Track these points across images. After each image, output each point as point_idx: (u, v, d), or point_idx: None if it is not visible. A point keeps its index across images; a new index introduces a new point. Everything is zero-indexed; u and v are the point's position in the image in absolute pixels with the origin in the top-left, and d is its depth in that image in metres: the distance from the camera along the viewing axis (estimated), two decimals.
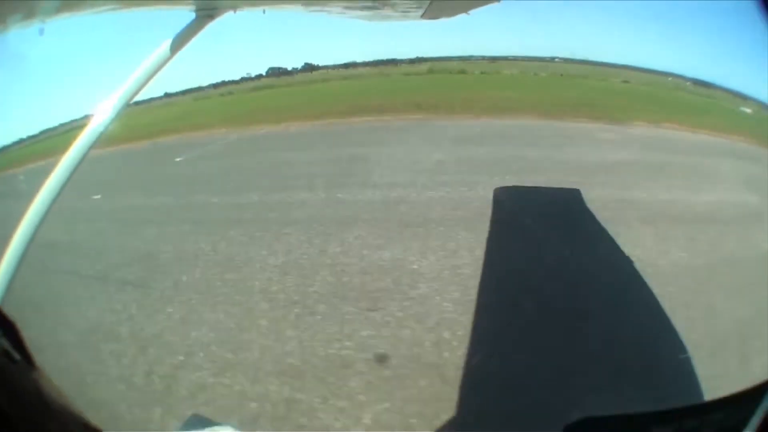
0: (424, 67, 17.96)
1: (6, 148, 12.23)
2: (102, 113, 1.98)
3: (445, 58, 18.06)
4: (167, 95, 16.62)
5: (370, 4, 2.77)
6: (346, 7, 2.68)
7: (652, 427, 0.52)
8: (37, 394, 0.88)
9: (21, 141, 13.17)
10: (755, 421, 0.56)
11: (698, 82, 13.75)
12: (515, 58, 18.06)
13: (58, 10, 2.24)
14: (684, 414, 0.55)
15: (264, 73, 17.47)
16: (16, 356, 0.91)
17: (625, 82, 15.35)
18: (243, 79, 17.02)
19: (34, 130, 13.90)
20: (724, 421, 0.55)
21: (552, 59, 17.34)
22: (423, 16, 3.07)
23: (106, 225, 6.88)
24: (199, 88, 17.75)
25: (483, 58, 18.12)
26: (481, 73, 17.54)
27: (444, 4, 2.81)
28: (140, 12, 2.70)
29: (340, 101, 15.01)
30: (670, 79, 14.83)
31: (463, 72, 17.55)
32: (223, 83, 17.55)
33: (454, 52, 18.31)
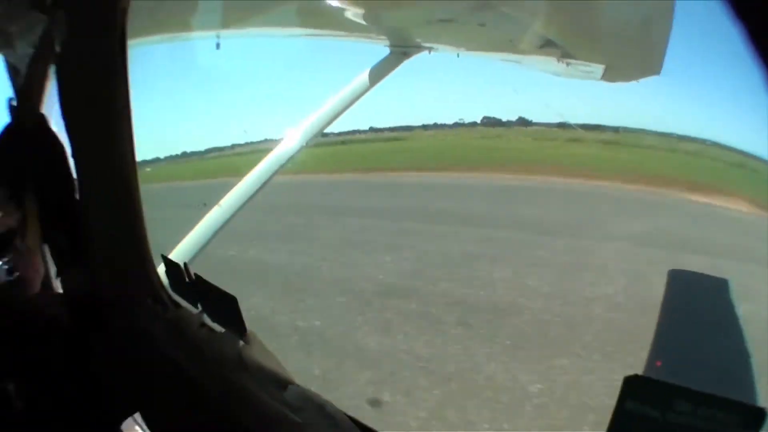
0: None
1: (169, 159, 12.15)
2: (292, 138, 1.97)
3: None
4: (372, 129, 16.26)
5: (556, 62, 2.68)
6: (542, 61, 2.53)
7: (675, 401, 0.56)
8: (238, 362, 0.98)
9: (185, 155, 12.90)
10: None
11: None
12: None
13: (236, 25, 2.31)
14: (708, 401, 0.55)
15: (478, 121, 16.25)
16: (219, 328, 1.06)
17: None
18: (456, 125, 16.14)
19: (201, 146, 13.56)
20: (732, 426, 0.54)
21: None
22: (603, 78, 3.08)
23: None
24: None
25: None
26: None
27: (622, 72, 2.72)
28: (331, 41, 2.76)
29: None
30: None
31: None
32: (435, 125, 16.53)
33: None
